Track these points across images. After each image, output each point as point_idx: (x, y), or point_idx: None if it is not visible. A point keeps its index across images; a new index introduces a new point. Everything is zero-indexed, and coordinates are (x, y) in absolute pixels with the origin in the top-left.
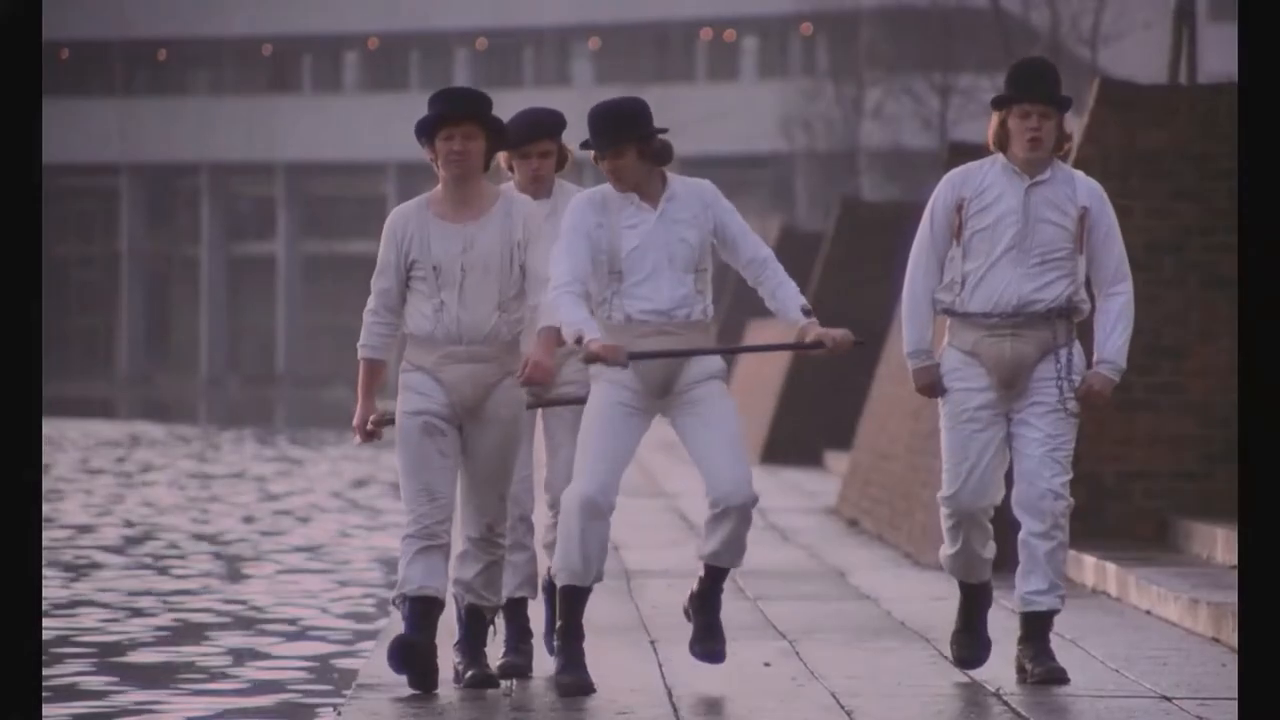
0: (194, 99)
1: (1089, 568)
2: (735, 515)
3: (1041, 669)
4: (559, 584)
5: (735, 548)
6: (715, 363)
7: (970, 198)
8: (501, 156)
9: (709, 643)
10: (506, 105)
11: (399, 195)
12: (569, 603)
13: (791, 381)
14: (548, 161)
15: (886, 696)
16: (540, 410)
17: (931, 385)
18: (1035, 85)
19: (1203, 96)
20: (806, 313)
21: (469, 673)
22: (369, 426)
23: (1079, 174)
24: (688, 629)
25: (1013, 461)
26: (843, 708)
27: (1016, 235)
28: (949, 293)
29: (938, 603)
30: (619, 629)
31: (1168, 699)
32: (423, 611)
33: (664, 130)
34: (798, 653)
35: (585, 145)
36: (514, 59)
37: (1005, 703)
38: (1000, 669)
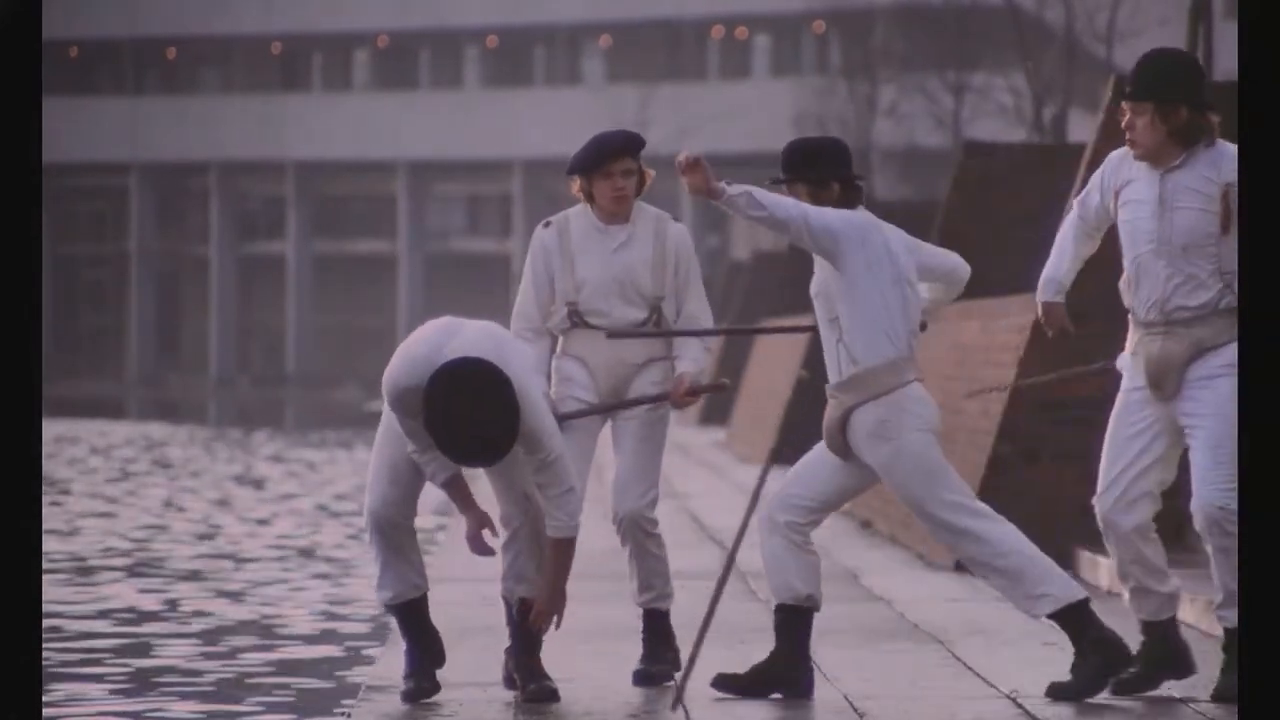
0: (204, 98)
1: (1105, 568)
2: None
3: (1216, 686)
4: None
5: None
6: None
7: (1120, 188)
8: (575, 184)
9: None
10: (517, 103)
11: (409, 194)
12: None
13: (802, 382)
14: (631, 181)
15: (900, 699)
16: (610, 418)
17: (1054, 314)
18: (1131, 82)
19: (1218, 94)
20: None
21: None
22: None
23: (1229, 148)
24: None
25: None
26: (855, 710)
27: (1154, 229)
28: (1127, 289)
29: (951, 604)
30: (631, 630)
31: (1184, 702)
32: (409, 613)
33: (857, 177)
34: (811, 655)
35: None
36: (525, 57)
37: (1020, 706)
38: (1015, 672)
